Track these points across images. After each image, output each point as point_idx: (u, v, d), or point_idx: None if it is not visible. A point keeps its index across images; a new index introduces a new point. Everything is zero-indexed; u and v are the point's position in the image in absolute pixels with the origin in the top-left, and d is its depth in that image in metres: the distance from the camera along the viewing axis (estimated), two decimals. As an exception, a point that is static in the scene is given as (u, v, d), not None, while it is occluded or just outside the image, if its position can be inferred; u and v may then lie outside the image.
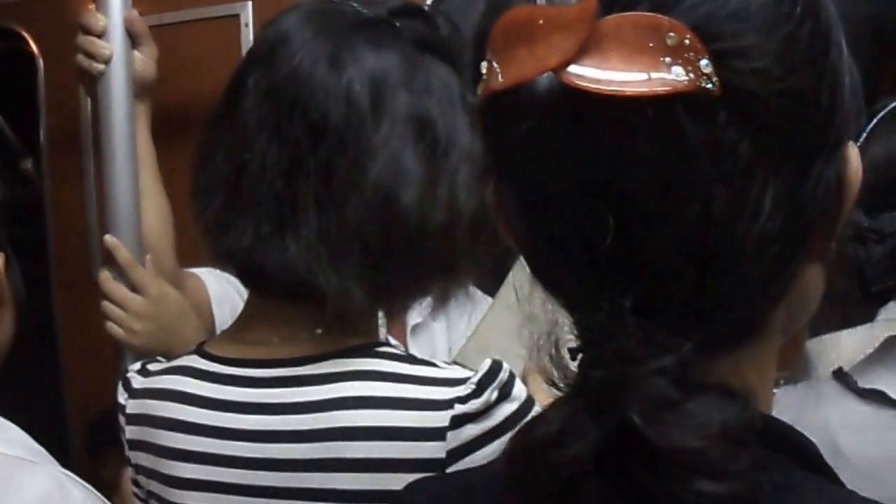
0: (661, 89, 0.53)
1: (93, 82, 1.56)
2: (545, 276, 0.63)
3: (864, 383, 1.36)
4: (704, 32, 0.54)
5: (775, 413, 1.42)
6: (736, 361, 0.62)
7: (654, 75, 0.53)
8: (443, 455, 0.97)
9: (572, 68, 0.53)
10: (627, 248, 0.56)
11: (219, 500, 1.07)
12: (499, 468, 0.61)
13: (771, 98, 0.56)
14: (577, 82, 0.53)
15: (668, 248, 0.56)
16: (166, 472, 1.11)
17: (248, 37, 2.26)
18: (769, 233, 0.57)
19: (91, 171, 2.39)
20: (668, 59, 0.53)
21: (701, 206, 0.55)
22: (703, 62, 0.54)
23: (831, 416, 1.36)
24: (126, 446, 1.17)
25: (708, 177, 0.55)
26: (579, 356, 0.58)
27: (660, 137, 0.54)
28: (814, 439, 1.31)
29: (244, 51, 1.69)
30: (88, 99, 1.96)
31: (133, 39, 1.57)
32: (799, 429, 1.39)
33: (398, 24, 1.07)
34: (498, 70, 0.56)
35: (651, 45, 0.53)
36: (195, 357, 1.14)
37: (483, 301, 1.93)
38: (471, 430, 0.97)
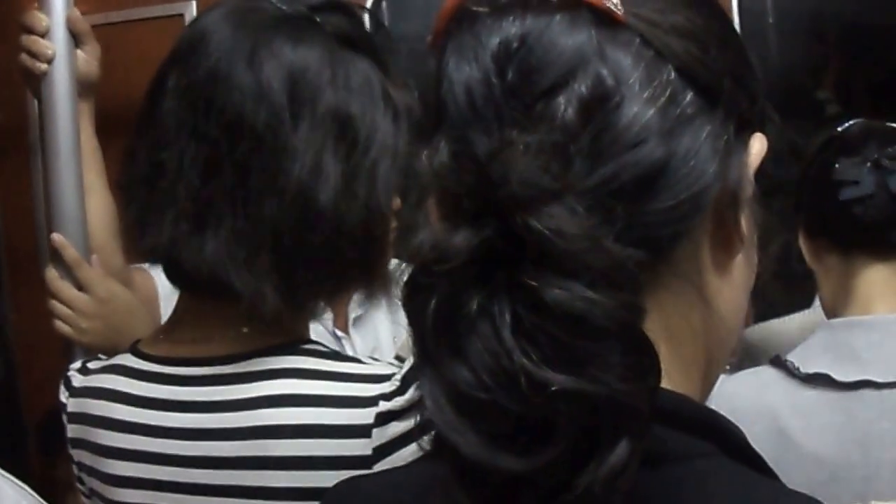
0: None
1: (37, 82, 1.55)
2: None
3: (808, 368, 1.38)
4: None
5: (716, 401, 1.44)
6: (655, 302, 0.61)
7: None
8: (369, 452, 0.97)
9: None
10: None
11: (154, 498, 1.07)
12: (426, 465, 0.60)
13: (694, 56, 0.61)
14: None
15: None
16: (104, 470, 1.11)
17: (191, 36, 2.25)
18: (690, 149, 0.60)
19: (39, 170, 2.38)
20: None
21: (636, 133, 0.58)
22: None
23: (776, 402, 1.38)
24: (69, 444, 1.18)
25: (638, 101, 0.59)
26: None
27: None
28: (759, 426, 1.32)
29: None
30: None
31: (76, 38, 1.56)
32: (742, 416, 1.42)
33: (319, 20, 1.06)
34: None
35: None
36: (129, 356, 1.14)
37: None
38: (396, 428, 0.97)
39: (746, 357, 1.84)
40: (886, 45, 2.49)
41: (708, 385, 0.69)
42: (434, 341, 0.54)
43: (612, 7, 0.59)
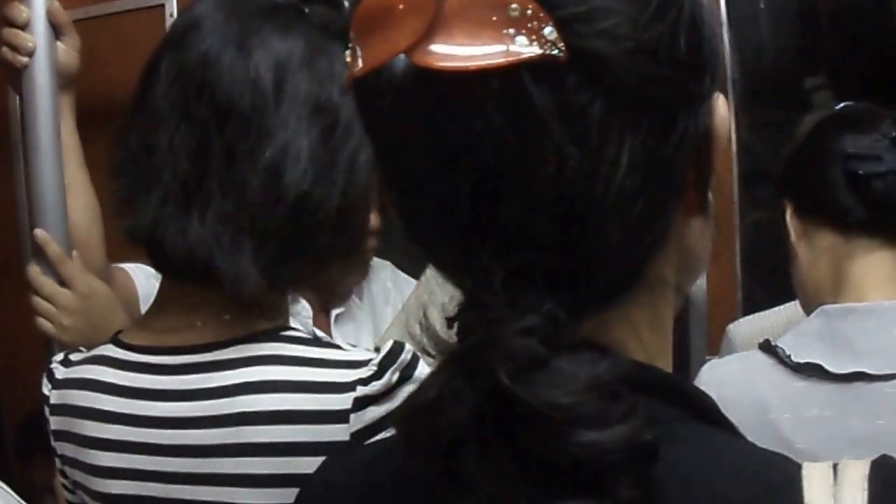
0: (503, 60, 0.55)
1: (17, 75, 1.55)
2: (423, 247, 0.65)
3: (800, 357, 1.34)
4: (548, 1, 0.56)
5: (705, 387, 1.44)
6: (622, 317, 0.63)
7: (497, 48, 0.55)
8: (346, 437, 0.98)
9: (422, 48, 0.55)
10: (489, 216, 0.58)
11: (137, 487, 1.07)
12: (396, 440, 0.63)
13: (622, 58, 0.57)
14: (425, 60, 0.55)
15: (529, 213, 0.58)
16: (87, 461, 1.11)
17: (173, 27, 2.25)
18: (630, 190, 0.58)
19: (21, 166, 2.37)
20: (511, 31, 0.55)
21: (555, 169, 0.57)
22: (548, 30, 0.55)
23: (766, 392, 1.34)
24: (51, 437, 1.17)
25: (559, 140, 0.56)
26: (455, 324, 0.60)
27: (507, 107, 0.56)
28: (749, 417, 1.30)
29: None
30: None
31: (56, 30, 1.56)
32: (731, 405, 1.40)
33: (307, 10, 1.09)
34: (359, 56, 0.58)
35: (494, 18, 0.55)
36: (111, 346, 1.14)
37: (407, 285, 1.95)
38: (373, 412, 0.99)
39: (729, 353, 1.83)
40: (879, 31, 2.49)
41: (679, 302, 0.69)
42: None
43: (554, 50, 0.56)
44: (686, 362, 2.13)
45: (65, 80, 1.57)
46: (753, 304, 2.12)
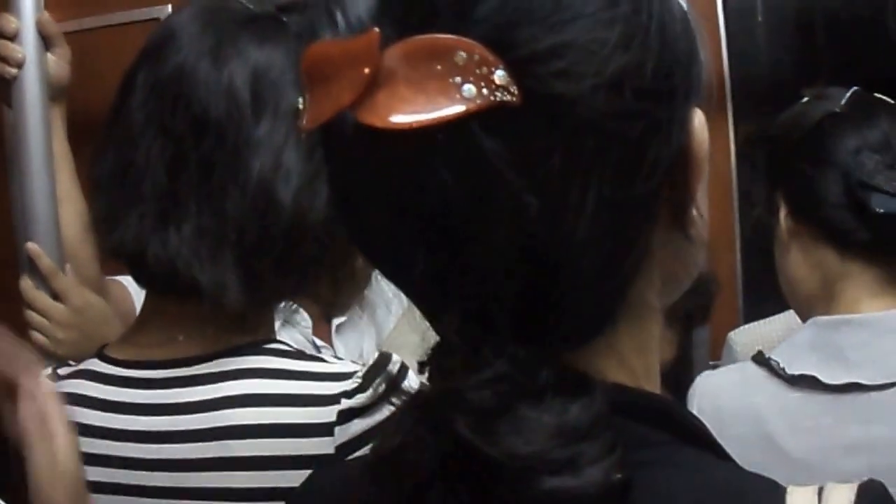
0: (448, 113, 0.52)
1: (7, 87, 1.54)
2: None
3: (794, 369, 1.33)
4: (498, 43, 0.52)
5: (699, 398, 1.41)
6: (606, 346, 0.61)
7: (443, 100, 0.52)
8: (331, 451, 0.98)
9: (365, 104, 0.53)
10: (446, 266, 0.56)
11: (121, 502, 1.06)
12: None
13: (583, 96, 0.53)
14: (368, 119, 0.53)
15: (488, 263, 0.55)
16: (73, 476, 1.10)
17: (168, 40, 2.25)
18: (599, 229, 0.56)
19: (12, 179, 2.35)
20: (458, 79, 0.52)
21: (513, 220, 0.54)
22: (498, 74, 0.52)
23: (762, 404, 1.34)
24: None
25: (516, 190, 0.53)
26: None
27: (456, 161, 0.53)
28: (745, 429, 1.29)
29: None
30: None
31: (46, 41, 1.55)
32: (727, 416, 1.38)
33: (285, 20, 1.08)
34: (307, 108, 0.56)
35: (439, 67, 0.52)
36: (95, 360, 1.13)
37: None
38: (358, 425, 0.98)
39: (731, 361, 1.82)
40: (876, 43, 2.48)
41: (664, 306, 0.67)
42: None
43: (506, 95, 0.52)
44: (689, 368, 2.12)
45: (55, 92, 1.57)
46: (755, 312, 2.11)
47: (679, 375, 1.93)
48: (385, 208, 0.57)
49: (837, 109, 1.40)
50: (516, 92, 0.52)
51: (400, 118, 0.52)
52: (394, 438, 0.58)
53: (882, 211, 1.31)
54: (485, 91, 0.52)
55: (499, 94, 0.52)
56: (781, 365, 1.34)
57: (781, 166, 1.45)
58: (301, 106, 0.57)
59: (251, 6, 1.09)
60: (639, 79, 0.55)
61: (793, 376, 1.33)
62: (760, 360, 1.38)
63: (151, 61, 1.07)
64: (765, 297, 1.86)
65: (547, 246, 0.55)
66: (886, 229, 1.33)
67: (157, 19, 2.30)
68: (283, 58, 1.04)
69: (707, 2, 2.35)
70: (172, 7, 2.28)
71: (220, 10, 1.09)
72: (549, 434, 0.54)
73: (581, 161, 0.54)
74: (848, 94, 1.41)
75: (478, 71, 0.52)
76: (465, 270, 0.56)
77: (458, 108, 0.51)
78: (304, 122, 0.56)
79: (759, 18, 2.53)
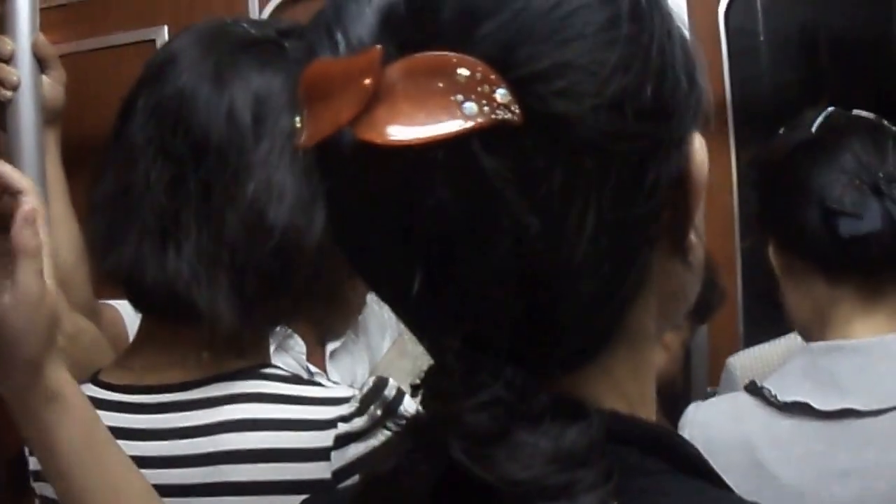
0: (449, 131, 0.51)
1: (1, 109, 1.53)
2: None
3: (786, 396, 1.32)
4: (500, 62, 0.52)
5: (690, 429, 1.40)
6: (601, 371, 0.60)
7: (444, 117, 0.51)
8: (328, 475, 0.97)
9: (365, 121, 0.52)
10: (443, 288, 0.55)
11: None
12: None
13: (584, 116, 0.53)
14: (368, 136, 0.52)
15: (485, 284, 0.55)
16: (66, 502, 1.09)
17: (164, 62, 2.25)
18: (597, 251, 0.55)
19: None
20: (459, 97, 0.51)
21: (513, 240, 0.53)
22: (500, 92, 0.51)
23: (752, 432, 1.33)
24: (31, 477, 1.16)
25: (516, 210, 0.53)
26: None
27: (456, 180, 0.52)
28: (736, 458, 1.28)
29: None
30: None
31: (41, 64, 1.54)
32: (717, 446, 1.37)
33: (286, 45, 1.08)
34: (305, 126, 0.55)
35: (441, 84, 0.51)
36: (89, 385, 1.13)
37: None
38: (355, 450, 0.97)
39: (729, 386, 1.81)
40: (880, 63, 2.48)
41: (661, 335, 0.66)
42: None
43: (507, 114, 0.52)
44: (687, 394, 2.11)
45: (50, 115, 1.56)
46: (755, 337, 2.09)
47: (677, 399, 1.91)
48: (382, 227, 0.56)
49: (809, 137, 1.38)
50: (517, 111, 0.51)
51: (399, 135, 0.51)
52: (388, 463, 0.57)
53: (848, 236, 1.29)
54: (486, 109, 0.51)
55: (500, 112, 0.51)
56: (773, 392, 1.33)
57: (763, 202, 1.44)
58: (298, 124, 0.56)
59: (252, 30, 1.10)
60: (639, 100, 0.55)
61: (785, 403, 1.32)
62: (753, 389, 1.37)
63: (152, 84, 1.07)
64: (765, 322, 1.85)
65: (546, 267, 0.55)
66: (857, 252, 1.31)
67: (152, 41, 2.30)
68: (283, 82, 1.04)
69: (709, 22, 2.34)
70: (169, 29, 2.28)
71: (221, 34, 1.09)
72: (545, 459, 0.53)
73: (581, 181, 0.54)
74: (820, 119, 1.39)
75: (479, 89, 0.51)
76: (462, 291, 0.55)
77: (458, 126, 0.51)
78: (302, 139, 0.55)
79: (762, 38, 2.52)
